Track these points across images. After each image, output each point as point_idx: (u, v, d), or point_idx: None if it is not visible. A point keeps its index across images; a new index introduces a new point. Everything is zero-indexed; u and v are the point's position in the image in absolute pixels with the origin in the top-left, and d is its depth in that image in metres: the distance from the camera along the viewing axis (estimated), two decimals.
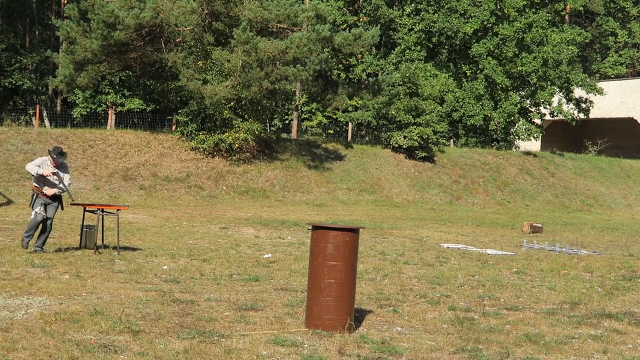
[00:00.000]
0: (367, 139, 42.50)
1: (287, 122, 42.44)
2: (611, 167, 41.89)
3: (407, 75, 35.39)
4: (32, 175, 13.47)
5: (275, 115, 39.89)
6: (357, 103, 39.77)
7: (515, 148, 42.86)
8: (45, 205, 13.40)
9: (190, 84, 28.20)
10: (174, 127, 34.29)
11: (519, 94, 41.30)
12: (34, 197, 13.39)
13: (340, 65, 42.92)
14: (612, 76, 52.28)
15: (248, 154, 30.39)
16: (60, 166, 13.48)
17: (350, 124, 40.95)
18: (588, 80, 42.45)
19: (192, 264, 13.13)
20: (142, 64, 30.36)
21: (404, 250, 16.68)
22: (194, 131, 29.97)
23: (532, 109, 42.40)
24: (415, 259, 15.24)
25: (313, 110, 43.19)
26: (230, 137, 29.39)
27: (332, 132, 43.27)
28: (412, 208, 30.90)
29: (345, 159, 33.65)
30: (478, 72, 40.45)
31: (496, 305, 10.51)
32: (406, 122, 34.88)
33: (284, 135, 37.29)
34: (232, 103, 29.53)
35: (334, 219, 23.52)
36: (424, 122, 34.90)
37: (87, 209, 14.45)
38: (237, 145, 29.72)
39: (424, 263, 14.76)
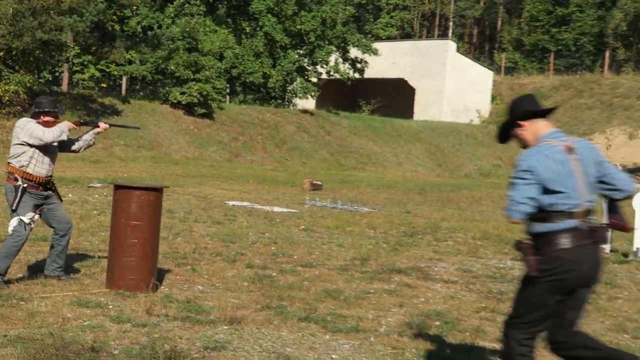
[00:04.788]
0: (142, 93, 41.68)
1: (57, 74, 40.88)
2: (384, 126, 43.58)
3: (187, 30, 35.09)
4: (30, 146, 8.21)
5: (46, 67, 38.34)
6: (132, 56, 38.89)
7: (293, 106, 43.64)
8: (38, 207, 8.35)
9: None
10: None
11: (298, 53, 42.01)
12: (18, 191, 8.15)
13: (114, 17, 41.74)
14: (383, 37, 54.10)
15: (19, 107, 29.09)
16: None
17: (124, 78, 40.06)
18: (364, 40, 43.73)
19: None
20: None
21: (190, 208, 16.72)
22: None
23: (310, 68, 43.23)
24: (204, 217, 15.35)
25: (85, 63, 41.86)
26: (0, 90, 28.07)
27: (105, 85, 42.15)
28: (192, 165, 30.89)
29: (123, 114, 33.00)
30: (258, 29, 40.75)
31: (291, 262, 10.83)
32: (185, 77, 34.62)
33: (55, 88, 35.90)
34: (1, 53, 28.15)
35: (113, 176, 23.09)
36: (203, 78, 34.75)
37: None
38: (7, 98, 28.41)
39: (213, 221, 14.89)
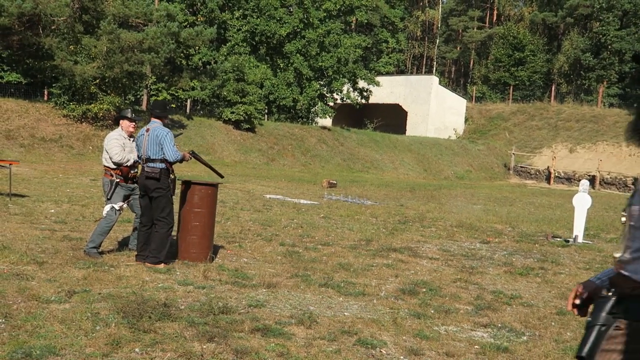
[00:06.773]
0: (202, 112, 41.67)
1: (138, 97, 40.92)
2: (383, 139, 43.43)
3: (236, 65, 35.07)
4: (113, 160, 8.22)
5: (130, 91, 38.34)
6: (195, 85, 38.89)
7: (315, 123, 43.55)
8: (127, 197, 8.34)
9: (64, 64, 26.61)
10: (45, 98, 32.34)
11: (319, 83, 41.92)
12: (113, 184, 8.16)
13: (182, 54, 41.72)
14: (383, 73, 53.89)
15: (110, 121, 29.10)
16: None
17: (189, 100, 40.14)
18: (369, 75, 43.65)
19: (74, 208, 12.58)
20: (22, 45, 28.30)
21: (238, 199, 16.70)
22: (65, 101, 28.36)
23: (328, 95, 43.15)
24: (248, 206, 15.31)
25: (160, 89, 41.89)
26: (96, 108, 28.10)
27: (174, 106, 42.14)
28: (239, 167, 30.88)
29: (187, 127, 33.04)
30: (289, 65, 40.68)
31: (313, 242, 10.78)
32: (234, 101, 34.63)
33: (136, 107, 35.92)
34: (97, 80, 28.20)
35: (180, 174, 23.03)
36: (248, 102, 34.74)
37: None
38: (101, 114, 28.46)
39: (254, 209, 14.85)
